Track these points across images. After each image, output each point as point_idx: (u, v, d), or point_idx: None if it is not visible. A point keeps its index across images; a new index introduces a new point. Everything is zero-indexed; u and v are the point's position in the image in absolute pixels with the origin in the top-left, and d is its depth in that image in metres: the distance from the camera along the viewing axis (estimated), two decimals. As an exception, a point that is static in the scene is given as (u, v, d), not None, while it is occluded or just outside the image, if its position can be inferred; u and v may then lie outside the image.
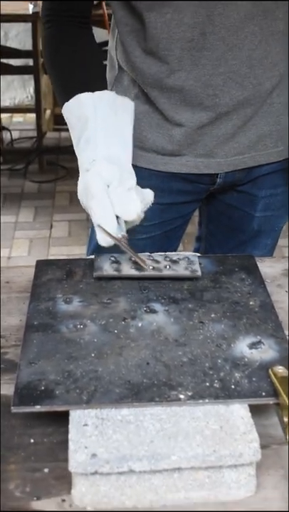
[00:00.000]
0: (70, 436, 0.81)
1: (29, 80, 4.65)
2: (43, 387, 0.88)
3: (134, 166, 1.26)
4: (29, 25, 3.92)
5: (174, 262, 1.13)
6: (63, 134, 4.44)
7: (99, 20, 3.37)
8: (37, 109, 4.07)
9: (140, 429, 0.82)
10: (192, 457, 0.78)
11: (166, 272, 1.11)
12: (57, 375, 0.90)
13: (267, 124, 1.29)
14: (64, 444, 0.82)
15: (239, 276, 1.13)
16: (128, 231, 1.34)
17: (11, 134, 4.44)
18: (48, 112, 4.46)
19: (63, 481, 0.81)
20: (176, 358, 0.93)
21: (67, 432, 0.82)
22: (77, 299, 1.06)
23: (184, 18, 1.14)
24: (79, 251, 3.29)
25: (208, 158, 1.30)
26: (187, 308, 1.04)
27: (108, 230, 1.04)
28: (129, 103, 1.17)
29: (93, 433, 0.81)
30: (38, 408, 0.85)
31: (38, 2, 3.64)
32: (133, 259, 1.12)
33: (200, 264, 1.14)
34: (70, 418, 0.84)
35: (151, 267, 1.11)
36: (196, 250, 1.56)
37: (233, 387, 0.88)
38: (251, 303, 1.06)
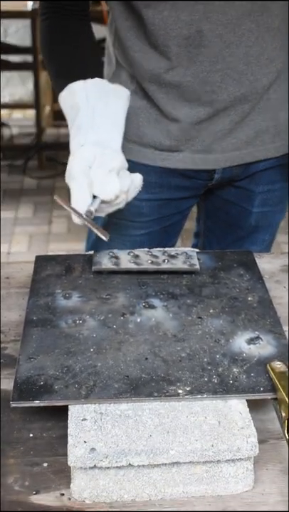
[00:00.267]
0: (69, 430, 0.81)
1: (28, 76, 4.64)
2: (42, 382, 0.88)
3: (132, 162, 1.26)
4: (28, 21, 3.92)
5: (173, 256, 1.14)
6: (63, 130, 4.44)
7: (98, 16, 3.37)
8: (36, 105, 4.07)
9: (139, 424, 0.82)
10: (190, 452, 0.79)
11: (165, 266, 1.11)
12: (56, 370, 0.90)
13: (264, 120, 1.29)
14: (63, 438, 0.83)
15: (237, 272, 1.13)
16: (127, 227, 1.35)
17: (10, 130, 4.44)
18: (48, 108, 4.46)
19: (62, 475, 0.82)
20: (175, 353, 0.94)
21: (66, 427, 0.82)
22: (77, 295, 1.06)
23: (180, 15, 1.14)
24: (78, 247, 3.28)
25: (205, 153, 1.30)
26: (186, 303, 1.04)
27: (78, 202, 1.03)
28: (123, 90, 1.17)
29: (92, 428, 0.82)
30: (37, 403, 0.86)
31: (37, -2, 3.64)
32: (132, 254, 1.13)
33: (198, 259, 1.14)
34: (69, 413, 0.84)
35: (149, 262, 1.12)
36: (194, 246, 1.57)
37: (231, 382, 0.88)
38: (250, 298, 1.06)
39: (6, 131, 4.41)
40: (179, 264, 1.12)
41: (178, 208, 1.41)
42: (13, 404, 0.86)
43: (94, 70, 1.20)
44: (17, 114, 4.91)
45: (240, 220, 1.43)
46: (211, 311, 1.03)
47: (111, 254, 1.14)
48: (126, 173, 1.08)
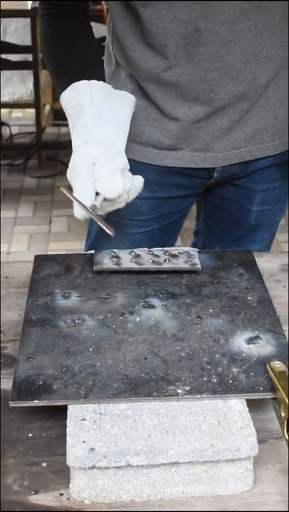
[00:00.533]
0: (68, 430, 0.81)
1: (28, 75, 4.64)
2: (41, 382, 0.88)
3: (132, 161, 1.26)
4: (28, 20, 3.91)
5: (174, 256, 1.14)
6: (63, 129, 4.44)
7: (98, 15, 3.37)
8: (36, 104, 4.06)
9: (138, 424, 0.82)
10: (190, 452, 0.79)
11: (166, 265, 1.11)
12: (55, 370, 0.90)
13: (263, 118, 1.29)
14: (62, 438, 0.83)
15: (237, 271, 1.13)
16: (126, 226, 1.35)
17: (10, 129, 4.44)
18: (48, 107, 4.45)
19: (61, 475, 0.82)
20: (174, 352, 0.93)
21: (65, 427, 0.82)
22: (76, 294, 1.06)
23: (178, 14, 1.14)
24: (78, 246, 3.28)
25: (204, 152, 1.30)
26: (185, 303, 1.04)
27: (83, 197, 1.02)
28: (129, 96, 1.18)
29: (91, 427, 0.81)
30: (36, 403, 0.86)
31: (37, -3, 3.64)
32: (133, 254, 1.13)
33: (199, 259, 1.14)
34: (68, 413, 0.84)
35: (151, 261, 1.12)
36: (193, 245, 1.56)
37: (230, 382, 0.88)
38: (249, 298, 1.06)
39: (5, 131, 4.41)
40: (180, 263, 1.12)
41: (177, 207, 1.41)
42: (12, 404, 0.86)
43: (95, 70, 1.20)
44: (17, 113, 4.90)
45: (239, 219, 1.43)
46: (211, 310, 1.03)
47: (112, 253, 1.14)
48: (128, 174, 1.08)
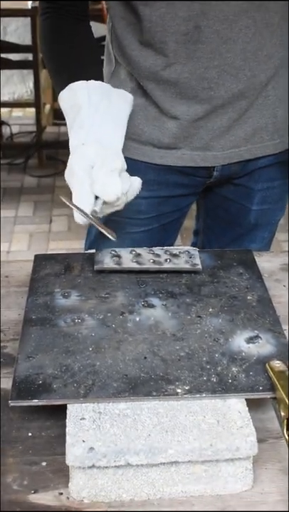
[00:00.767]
0: (67, 430, 0.81)
1: (28, 74, 4.64)
2: (40, 381, 0.88)
3: (131, 159, 1.26)
4: (28, 19, 3.91)
5: (175, 255, 1.14)
6: (63, 129, 4.43)
7: (98, 15, 3.37)
8: (36, 103, 4.06)
9: (137, 423, 0.82)
10: (189, 451, 0.79)
11: (167, 265, 1.11)
12: (55, 369, 0.90)
13: (262, 117, 1.29)
14: (62, 437, 0.82)
15: (237, 270, 1.13)
16: (126, 225, 1.34)
17: (10, 128, 4.44)
18: (48, 106, 4.46)
19: (61, 474, 0.82)
20: (174, 352, 0.93)
21: (65, 426, 0.82)
22: (75, 294, 1.06)
23: (178, 11, 1.14)
24: (78, 245, 3.28)
25: (204, 151, 1.30)
26: (185, 302, 1.04)
27: (82, 202, 1.03)
28: (127, 94, 1.17)
29: (91, 427, 0.81)
30: (35, 402, 0.86)
31: (37, -3, 3.64)
32: (134, 253, 1.13)
33: (199, 258, 1.14)
34: (68, 412, 0.84)
35: (151, 261, 1.12)
36: (193, 244, 1.56)
37: (230, 381, 0.88)
38: (249, 297, 1.06)
39: (6, 130, 4.41)
40: (181, 263, 1.12)
41: (177, 206, 1.41)
42: (12, 404, 0.86)
43: (93, 70, 1.20)
44: (17, 112, 4.90)
45: (239, 218, 1.43)
46: (210, 310, 1.03)
47: (113, 253, 1.14)
48: (126, 175, 1.08)
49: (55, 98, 4.43)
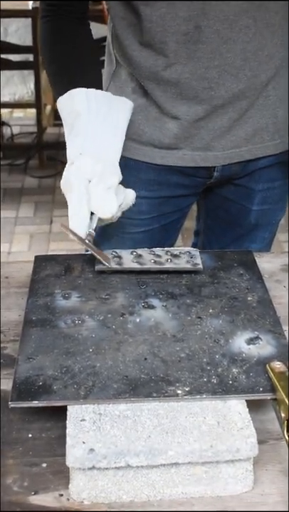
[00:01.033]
0: (67, 431, 0.81)
1: (29, 75, 4.64)
2: (41, 383, 0.88)
3: (132, 160, 1.26)
4: (29, 20, 3.91)
5: (176, 256, 1.14)
6: (63, 130, 4.44)
7: (98, 15, 3.37)
8: (37, 104, 4.06)
9: (138, 425, 0.82)
10: (189, 452, 0.79)
11: (168, 265, 1.11)
12: (55, 371, 0.90)
13: (263, 117, 1.29)
14: (62, 438, 0.82)
15: (237, 271, 1.13)
16: (126, 225, 1.35)
17: (11, 129, 4.44)
18: (49, 107, 4.45)
19: (61, 475, 0.82)
20: (174, 353, 0.93)
21: (65, 427, 0.82)
22: (76, 295, 1.06)
23: (178, 11, 1.14)
24: (79, 246, 3.27)
25: (204, 151, 1.30)
26: (185, 303, 1.04)
27: (78, 225, 1.04)
28: (126, 102, 1.17)
29: (91, 428, 0.81)
30: (35, 403, 0.86)
31: (38, -2, 3.64)
32: (134, 254, 1.13)
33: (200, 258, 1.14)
34: (68, 413, 0.84)
35: (152, 261, 1.12)
36: (194, 245, 1.56)
37: (230, 382, 0.88)
38: (249, 298, 1.06)
39: (6, 131, 4.41)
40: (182, 263, 1.12)
41: (177, 206, 1.41)
42: (12, 405, 0.86)
43: (92, 73, 1.20)
44: (18, 113, 4.90)
45: (240, 218, 1.43)
46: (211, 311, 1.03)
47: (114, 253, 1.14)
48: (121, 188, 1.08)
49: (55, 99, 4.44)
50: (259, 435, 0.81)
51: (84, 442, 0.79)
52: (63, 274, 1.11)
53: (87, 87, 1.13)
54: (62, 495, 0.80)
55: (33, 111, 4.24)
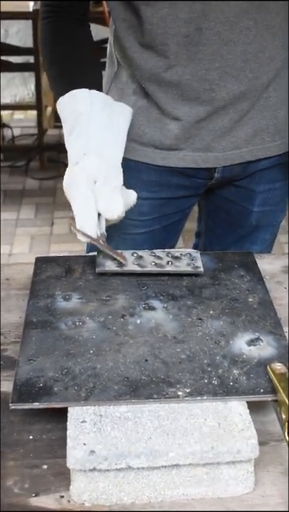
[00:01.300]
0: (68, 433, 0.81)
1: (30, 77, 4.64)
2: (41, 384, 0.88)
3: (132, 161, 1.26)
4: (29, 22, 3.91)
5: (176, 258, 1.13)
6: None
7: (99, 17, 3.37)
8: (38, 106, 4.06)
9: (138, 426, 0.82)
10: (190, 454, 0.79)
11: (169, 268, 1.11)
12: (55, 372, 0.90)
13: (264, 118, 1.29)
14: (63, 440, 0.82)
15: (238, 273, 1.13)
16: (127, 226, 1.35)
17: (12, 131, 4.44)
18: (49, 109, 4.45)
19: (62, 477, 0.82)
20: (175, 354, 0.93)
21: (66, 429, 0.82)
22: (76, 296, 1.06)
23: (179, 13, 1.14)
24: (80, 248, 3.27)
25: (205, 152, 1.30)
26: (186, 305, 1.04)
27: (87, 227, 1.04)
28: (127, 108, 1.18)
29: (91, 430, 0.81)
30: (36, 405, 0.86)
31: (38, 0, 3.65)
32: (135, 256, 1.13)
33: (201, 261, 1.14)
34: (69, 415, 0.84)
35: (153, 263, 1.12)
36: (195, 246, 1.57)
37: (231, 384, 0.88)
38: (250, 300, 1.06)
39: (7, 132, 4.41)
40: (182, 266, 1.12)
41: (178, 207, 1.42)
42: (13, 407, 0.86)
43: (94, 74, 1.20)
44: (18, 115, 4.90)
45: (240, 220, 1.43)
46: (211, 312, 1.03)
47: None
48: (123, 190, 1.08)
49: (56, 100, 4.44)
50: (260, 436, 0.81)
51: (85, 444, 0.79)
52: (64, 276, 1.11)
53: (88, 89, 1.13)
54: (63, 496, 0.80)
55: (33, 113, 4.24)
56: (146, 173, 1.33)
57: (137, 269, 1.11)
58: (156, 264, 1.11)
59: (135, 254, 1.14)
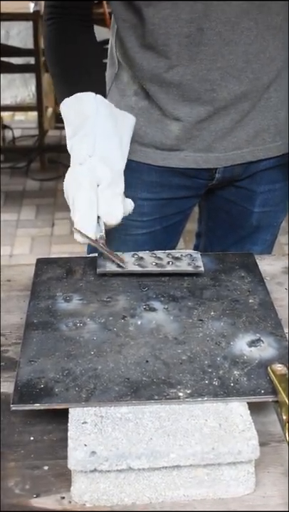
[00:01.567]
0: (69, 434, 0.81)
1: (30, 78, 4.65)
2: (42, 385, 0.88)
3: (134, 161, 1.26)
4: (30, 23, 3.91)
5: (177, 258, 1.14)
6: (65, 132, 4.44)
7: (100, 18, 3.37)
8: (38, 107, 4.07)
9: (139, 427, 0.82)
10: (191, 455, 0.79)
11: (169, 268, 1.11)
12: (56, 373, 0.90)
13: (265, 119, 1.29)
14: (64, 441, 0.82)
15: (239, 274, 1.13)
16: (128, 226, 1.35)
17: (12, 132, 4.44)
18: (50, 110, 4.46)
19: (63, 478, 0.82)
20: (176, 355, 0.93)
21: (66, 430, 0.82)
22: (77, 297, 1.06)
23: (181, 13, 1.15)
24: (80, 249, 3.26)
25: (206, 152, 1.30)
26: (186, 306, 1.04)
27: (87, 227, 1.05)
28: (129, 116, 1.18)
29: (92, 431, 0.81)
30: (37, 406, 0.86)
31: (39, 1, 3.64)
32: (136, 257, 1.13)
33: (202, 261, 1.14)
34: (70, 416, 0.84)
35: (154, 264, 1.12)
36: (195, 247, 1.57)
37: (232, 385, 0.88)
38: (251, 301, 1.06)
39: (8, 133, 4.42)
40: (183, 266, 1.12)
41: (179, 208, 1.42)
42: (14, 408, 0.86)
43: (96, 76, 1.21)
44: (19, 116, 4.91)
45: (241, 220, 1.44)
46: (212, 313, 1.03)
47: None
48: (123, 197, 1.09)
49: (57, 102, 4.44)
50: (261, 437, 0.81)
51: (86, 445, 0.79)
52: (65, 277, 1.12)
53: (92, 89, 1.13)
54: (64, 497, 0.80)
55: (34, 114, 4.25)
56: (147, 173, 1.33)
57: (138, 269, 1.11)
58: (156, 264, 1.12)
59: (136, 256, 1.14)
